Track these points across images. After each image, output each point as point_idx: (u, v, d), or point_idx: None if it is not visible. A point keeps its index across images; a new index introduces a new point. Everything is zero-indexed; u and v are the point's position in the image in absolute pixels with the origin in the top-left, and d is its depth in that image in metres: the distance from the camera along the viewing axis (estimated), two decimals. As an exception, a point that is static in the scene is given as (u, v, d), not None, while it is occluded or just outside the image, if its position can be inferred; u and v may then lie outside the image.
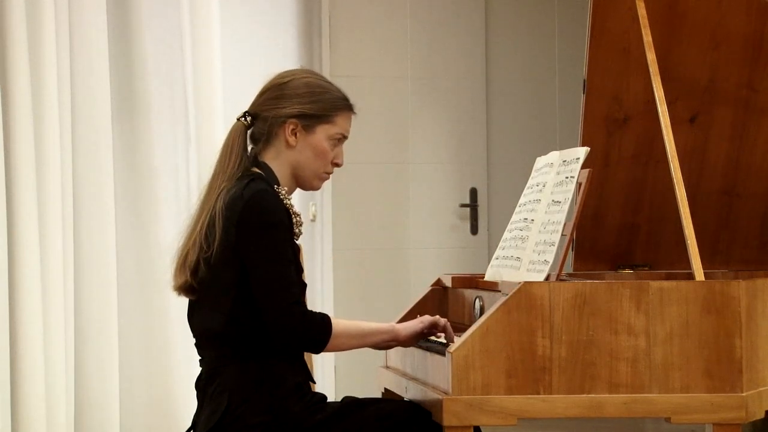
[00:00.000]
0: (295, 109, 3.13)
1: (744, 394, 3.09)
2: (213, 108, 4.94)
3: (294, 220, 3.11)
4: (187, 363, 4.64)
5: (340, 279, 6.68)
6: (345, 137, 3.21)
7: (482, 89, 7.06)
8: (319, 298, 6.41)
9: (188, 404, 4.54)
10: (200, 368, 3.18)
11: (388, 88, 6.88)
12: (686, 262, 3.35)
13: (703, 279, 3.25)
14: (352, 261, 6.76)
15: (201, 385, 3.15)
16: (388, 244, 6.89)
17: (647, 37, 3.72)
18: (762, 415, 3.19)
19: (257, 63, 5.62)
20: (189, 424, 3.19)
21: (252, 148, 3.20)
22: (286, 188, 3.15)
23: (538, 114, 7.17)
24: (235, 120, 3.20)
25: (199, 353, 3.18)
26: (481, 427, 3.12)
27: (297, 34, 6.30)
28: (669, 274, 4.07)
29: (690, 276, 3.34)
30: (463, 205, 7.03)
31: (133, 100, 4.68)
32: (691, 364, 3.08)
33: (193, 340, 3.20)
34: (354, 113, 3.23)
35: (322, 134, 3.16)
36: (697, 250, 3.33)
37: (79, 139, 4.42)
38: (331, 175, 3.24)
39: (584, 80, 4.07)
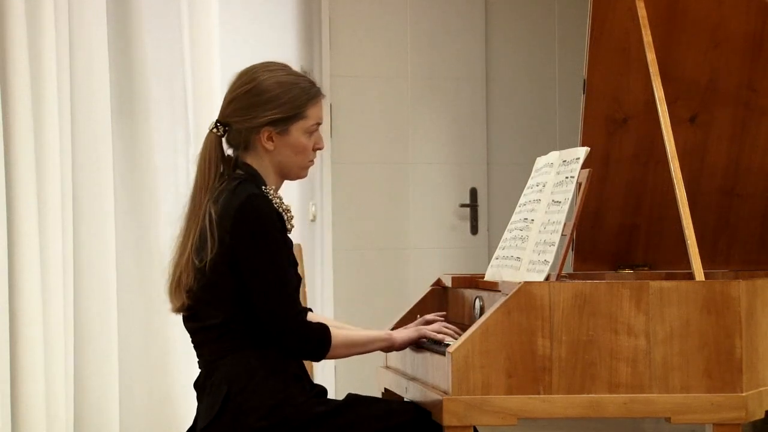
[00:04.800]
0: (266, 117, 3.13)
1: (744, 394, 3.09)
2: (213, 108, 4.93)
3: (285, 218, 3.14)
4: (187, 363, 4.63)
5: (340, 279, 6.68)
6: (320, 123, 3.22)
7: (482, 89, 7.07)
8: (319, 298, 6.41)
9: (188, 404, 4.54)
10: (199, 369, 3.19)
11: (388, 88, 6.88)
12: (686, 262, 3.35)
13: (703, 279, 3.25)
14: (352, 261, 6.76)
15: (200, 383, 3.15)
16: (388, 244, 6.89)
17: (647, 37, 3.72)
18: (762, 415, 3.19)
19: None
20: (189, 423, 3.19)
21: (234, 151, 3.20)
22: (273, 186, 3.17)
23: (538, 114, 7.17)
24: (208, 131, 3.19)
25: (198, 353, 3.19)
26: (480, 427, 3.12)
27: (297, 34, 6.30)
28: (669, 274, 4.07)
29: (690, 276, 3.34)
30: (463, 205, 7.04)
31: (133, 100, 4.68)
32: (691, 364, 3.08)
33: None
34: (323, 96, 3.23)
35: (297, 132, 3.17)
36: (697, 250, 3.33)
37: (79, 139, 4.42)
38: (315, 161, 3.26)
39: (584, 80, 4.07)
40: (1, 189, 4.05)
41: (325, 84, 6.67)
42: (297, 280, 3.16)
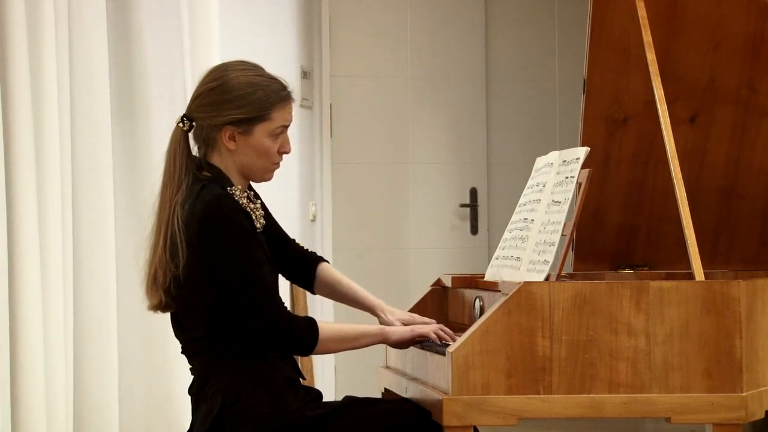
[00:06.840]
0: (229, 117, 3.09)
1: (744, 394, 3.09)
2: (213, 108, 4.93)
3: (253, 216, 3.12)
4: (187, 363, 4.63)
5: (340, 279, 6.67)
6: (287, 127, 3.16)
7: (482, 89, 7.06)
8: (318, 299, 6.40)
9: (188, 404, 4.54)
10: (191, 375, 3.18)
11: (388, 88, 6.88)
12: (686, 262, 3.35)
13: (703, 279, 3.25)
14: (352, 261, 6.76)
15: (193, 390, 3.15)
16: (388, 244, 6.89)
17: (647, 37, 3.72)
18: (762, 415, 3.19)
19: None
20: (188, 423, 3.18)
21: (200, 149, 3.17)
22: (239, 187, 3.13)
23: (538, 114, 7.17)
24: (174, 124, 3.16)
25: (189, 361, 3.18)
26: (480, 427, 3.12)
27: (297, 34, 6.29)
28: (669, 274, 4.07)
29: (690, 276, 3.34)
30: (463, 205, 7.04)
31: (133, 100, 4.68)
32: (691, 364, 3.08)
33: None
34: (293, 100, 3.18)
35: (260, 134, 3.11)
36: (697, 250, 3.33)
37: (79, 139, 4.42)
38: (280, 164, 3.20)
39: (584, 80, 4.07)
40: (1, 189, 4.05)
41: (325, 84, 6.67)
42: (273, 276, 3.15)
